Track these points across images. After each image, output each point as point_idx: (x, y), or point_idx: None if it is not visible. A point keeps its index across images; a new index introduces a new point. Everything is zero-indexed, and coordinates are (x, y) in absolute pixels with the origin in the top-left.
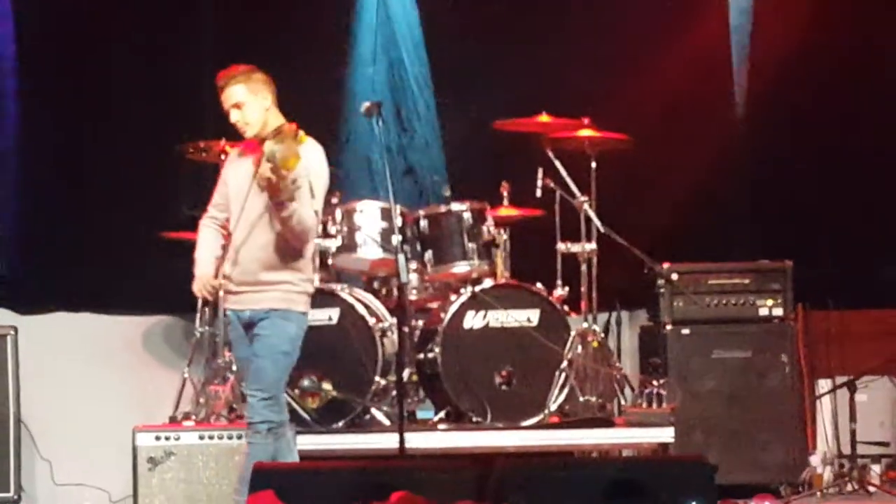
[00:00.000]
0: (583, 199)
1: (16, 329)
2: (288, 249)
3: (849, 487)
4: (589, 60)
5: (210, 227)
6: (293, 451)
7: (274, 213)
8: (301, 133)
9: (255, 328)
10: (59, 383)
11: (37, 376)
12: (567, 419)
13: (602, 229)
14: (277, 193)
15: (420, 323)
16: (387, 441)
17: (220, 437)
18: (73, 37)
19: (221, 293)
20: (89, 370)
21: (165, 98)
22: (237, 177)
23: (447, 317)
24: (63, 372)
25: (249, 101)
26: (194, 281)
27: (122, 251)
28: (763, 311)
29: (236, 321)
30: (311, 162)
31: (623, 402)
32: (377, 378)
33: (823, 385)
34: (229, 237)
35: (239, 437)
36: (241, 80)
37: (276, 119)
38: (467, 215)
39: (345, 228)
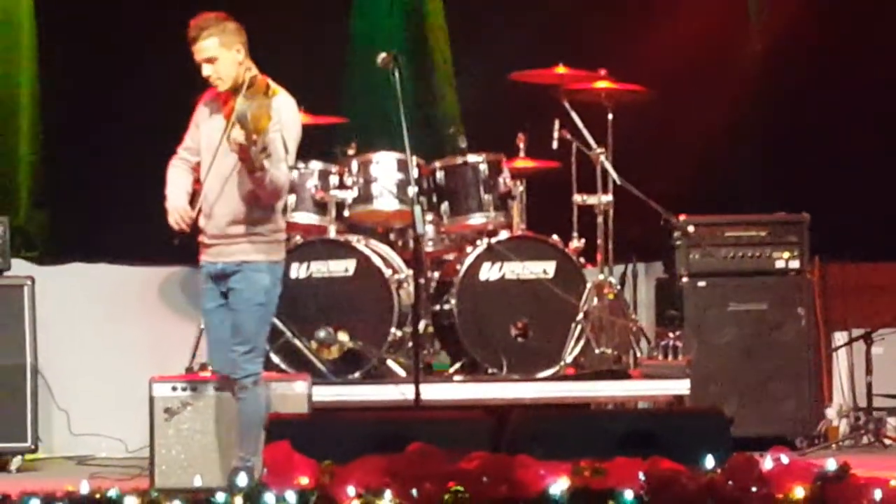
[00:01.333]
0: (599, 150)
1: (33, 279)
2: (259, 204)
3: (864, 440)
4: (606, 11)
5: (180, 167)
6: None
7: (247, 173)
8: (273, 86)
9: (229, 282)
10: (75, 334)
11: (54, 327)
12: (582, 371)
13: (618, 181)
14: (248, 160)
15: (436, 274)
16: (403, 392)
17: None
18: None
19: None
20: (106, 321)
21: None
22: (210, 129)
23: (463, 268)
24: (80, 323)
25: (222, 55)
26: (168, 214)
27: (139, 201)
28: (779, 264)
29: (209, 273)
30: (283, 115)
31: (638, 355)
32: (393, 329)
33: (839, 338)
34: (198, 183)
35: None
36: (214, 32)
37: (248, 71)
38: (483, 167)
39: (361, 180)
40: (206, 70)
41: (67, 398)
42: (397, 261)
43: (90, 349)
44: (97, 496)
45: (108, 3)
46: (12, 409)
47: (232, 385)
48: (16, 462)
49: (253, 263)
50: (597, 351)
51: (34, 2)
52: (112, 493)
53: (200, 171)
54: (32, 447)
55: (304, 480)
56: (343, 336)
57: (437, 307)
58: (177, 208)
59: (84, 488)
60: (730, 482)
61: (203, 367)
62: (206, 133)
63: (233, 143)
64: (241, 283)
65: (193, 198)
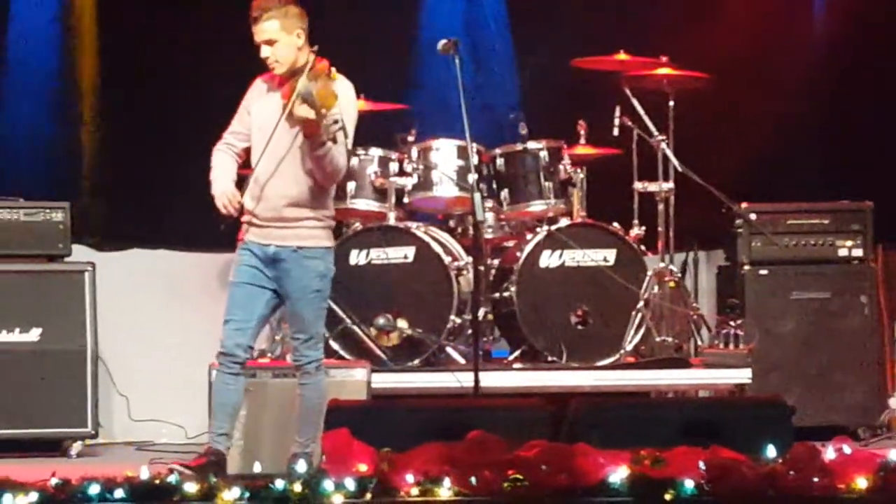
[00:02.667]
0: (660, 137)
1: (93, 265)
2: (315, 187)
3: None
4: None
5: (226, 153)
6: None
7: (308, 151)
8: (333, 70)
9: (281, 266)
10: (135, 320)
11: (114, 313)
12: (643, 359)
13: (679, 168)
14: (317, 133)
15: (496, 262)
16: (462, 380)
17: (295, 376)
18: None
19: (244, 226)
20: (166, 307)
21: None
22: (264, 110)
23: (523, 256)
24: (140, 308)
25: (282, 38)
26: (216, 199)
27: (199, 188)
28: (842, 252)
29: (256, 253)
30: (342, 99)
31: (699, 343)
32: (452, 317)
33: None
34: (244, 169)
35: None
36: (277, 15)
37: (305, 56)
38: (544, 154)
39: (421, 167)
40: (265, 52)
41: (127, 384)
42: (457, 248)
43: (150, 335)
44: (157, 482)
45: None
46: (73, 394)
47: (294, 371)
48: (76, 447)
49: (309, 249)
50: (657, 339)
51: None
52: (172, 478)
53: (252, 154)
54: (93, 432)
55: (363, 468)
56: (402, 323)
57: (497, 294)
58: (225, 192)
59: (144, 474)
60: (791, 472)
61: (262, 353)
62: (259, 116)
63: (298, 118)
64: (298, 270)
65: (239, 184)
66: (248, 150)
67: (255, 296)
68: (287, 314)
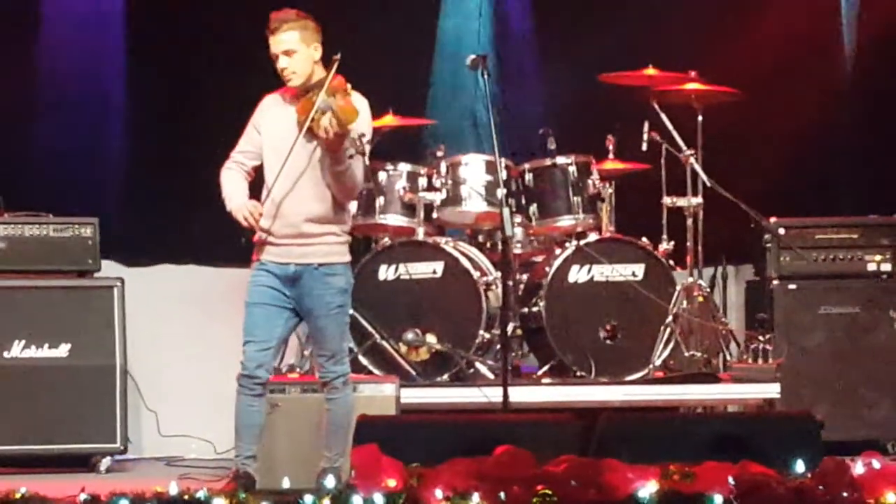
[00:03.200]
0: (689, 152)
1: (122, 280)
2: (334, 203)
3: None
4: (696, 12)
5: (236, 171)
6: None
7: (329, 167)
8: (349, 86)
9: (301, 284)
10: (164, 335)
11: (143, 328)
12: (672, 374)
13: (708, 183)
14: (339, 149)
15: (524, 277)
16: (490, 395)
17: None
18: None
19: (259, 246)
20: (195, 322)
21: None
22: (277, 127)
23: (552, 271)
24: (169, 323)
25: (301, 49)
26: (235, 213)
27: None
28: (871, 267)
29: (274, 272)
30: (361, 115)
31: (728, 358)
32: (481, 332)
33: None
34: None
35: None
36: (296, 26)
37: (321, 71)
38: (572, 169)
39: (449, 182)
40: (283, 62)
41: (156, 399)
42: (486, 263)
43: (179, 350)
44: (186, 497)
45: (196, 7)
46: (102, 409)
47: (321, 386)
48: (105, 463)
49: (330, 266)
50: (686, 354)
51: (124, 5)
52: (201, 494)
53: (266, 172)
54: (122, 448)
55: (392, 483)
56: (431, 338)
57: (526, 309)
58: (245, 205)
59: (173, 489)
60: (820, 487)
61: (291, 369)
62: (272, 134)
63: (323, 134)
64: (320, 288)
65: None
66: (257, 169)
67: (274, 316)
68: (311, 332)
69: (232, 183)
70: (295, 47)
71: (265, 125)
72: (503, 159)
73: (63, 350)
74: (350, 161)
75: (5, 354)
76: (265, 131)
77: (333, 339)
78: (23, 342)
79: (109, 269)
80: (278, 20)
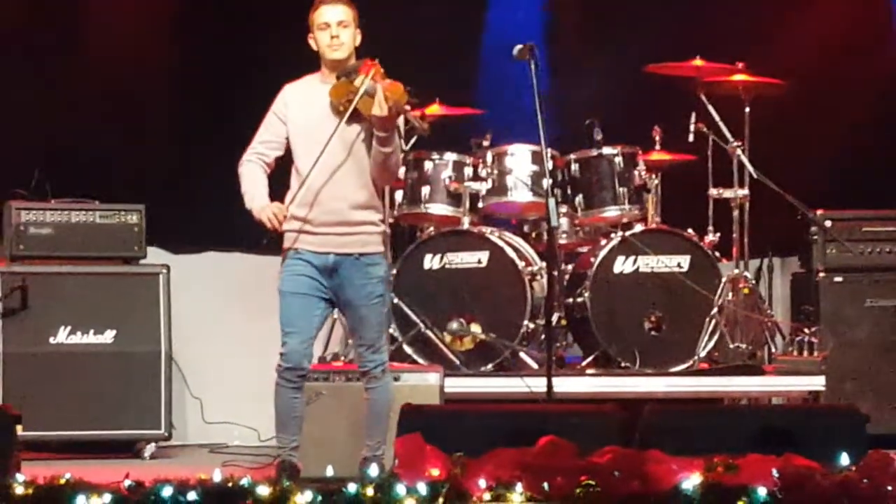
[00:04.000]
0: (736, 144)
1: (168, 268)
2: (374, 189)
3: None
4: (744, 2)
5: (257, 164)
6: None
7: (377, 147)
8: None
9: (341, 274)
10: (209, 322)
11: (188, 315)
12: (716, 366)
13: (755, 175)
14: (392, 128)
15: (569, 267)
16: (535, 385)
17: None
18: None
19: (292, 234)
20: (240, 310)
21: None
22: (308, 113)
23: (597, 261)
24: (214, 311)
25: (351, 26)
26: (256, 213)
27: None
28: None
29: (311, 262)
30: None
31: (773, 350)
32: (526, 322)
33: None
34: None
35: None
36: (349, 4)
37: (354, 60)
38: (618, 159)
39: (495, 171)
40: (335, 30)
41: (201, 386)
42: (531, 253)
43: (224, 337)
44: (230, 484)
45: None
46: (146, 396)
47: (361, 375)
48: (149, 449)
49: (370, 255)
50: (731, 346)
51: None
52: (244, 481)
53: (299, 160)
54: (166, 434)
55: (436, 472)
56: (476, 328)
57: (571, 300)
58: (269, 205)
59: (217, 476)
60: (865, 480)
61: (336, 357)
62: (302, 121)
63: (378, 110)
64: (361, 278)
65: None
66: (278, 160)
67: (312, 306)
68: (350, 322)
69: (252, 180)
70: (348, 21)
71: (293, 113)
72: (549, 149)
73: (108, 336)
74: (398, 142)
75: (51, 340)
76: (293, 119)
77: (374, 329)
78: (69, 328)
79: (155, 255)
80: None
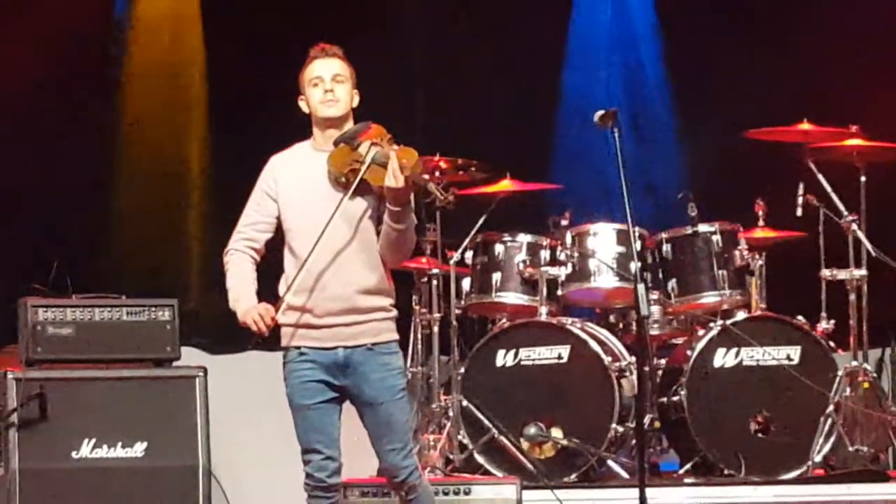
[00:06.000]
0: (851, 218)
1: (205, 370)
2: (383, 269)
3: None
4: (855, 60)
5: (244, 254)
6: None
7: (390, 223)
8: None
9: (355, 371)
10: (252, 430)
11: (228, 423)
12: (834, 472)
13: (873, 253)
14: (407, 200)
15: (663, 361)
16: (625, 497)
17: (436, 493)
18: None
19: (289, 329)
20: (286, 415)
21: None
22: (301, 187)
23: (694, 354)
24: (256, 418)
25: (348, 83)
26: (241, 315)
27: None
28: None
29: (318, 361)
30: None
31: None
32: (614, 425)
33: None
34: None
35: (457, 493)
36: (346, 62)
37: (351, 123)
38: (717, 238)
39: (576, 254)
40: (328, 85)
41: (243, 499)
42: (618, 346)
43: (268, 447)
44: None
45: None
46: None
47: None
48: None
49: (383, 345)
50: (850, 448)
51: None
52: None
53: (295, 240)
54: None
55: None
56: (557, 432)
57: (665, 399)
58: (255, 307)
59: None
60: None
61: None
62: (296, 196)
63: (392, 181)
64: (379, 371)
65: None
66: (269, 243)
67: (329, 414)
68: (374, 427)
69: (239, 276)
70: (344, 78)
71: (284, 187)
72: (637, 228)
73: (139, 449)
74: (413, 217)
75: (74, 455)
76: (285, 194)
77: (402, 428)
78: (93, 441)
79: (190, 357)
80: (331, 47)
